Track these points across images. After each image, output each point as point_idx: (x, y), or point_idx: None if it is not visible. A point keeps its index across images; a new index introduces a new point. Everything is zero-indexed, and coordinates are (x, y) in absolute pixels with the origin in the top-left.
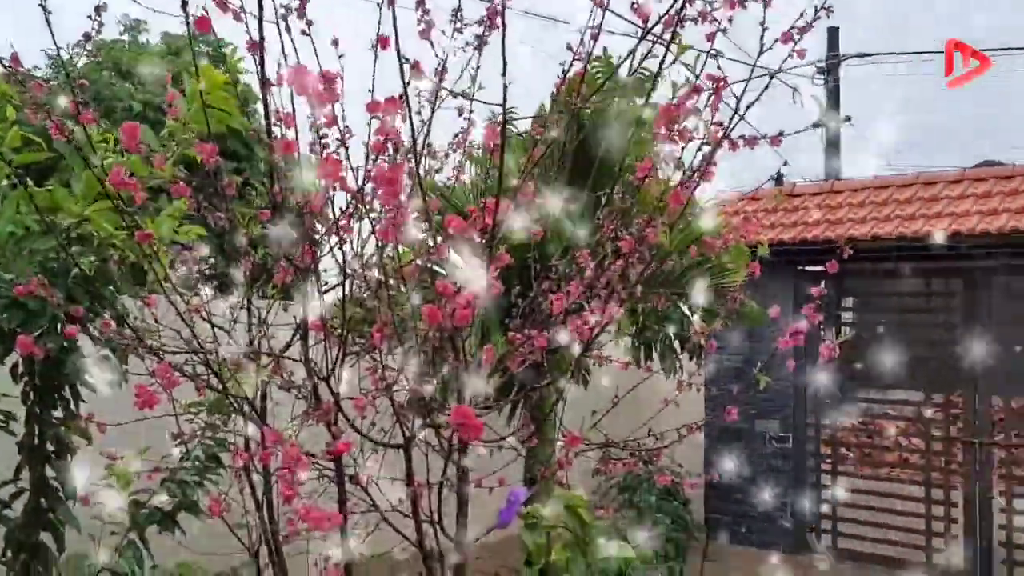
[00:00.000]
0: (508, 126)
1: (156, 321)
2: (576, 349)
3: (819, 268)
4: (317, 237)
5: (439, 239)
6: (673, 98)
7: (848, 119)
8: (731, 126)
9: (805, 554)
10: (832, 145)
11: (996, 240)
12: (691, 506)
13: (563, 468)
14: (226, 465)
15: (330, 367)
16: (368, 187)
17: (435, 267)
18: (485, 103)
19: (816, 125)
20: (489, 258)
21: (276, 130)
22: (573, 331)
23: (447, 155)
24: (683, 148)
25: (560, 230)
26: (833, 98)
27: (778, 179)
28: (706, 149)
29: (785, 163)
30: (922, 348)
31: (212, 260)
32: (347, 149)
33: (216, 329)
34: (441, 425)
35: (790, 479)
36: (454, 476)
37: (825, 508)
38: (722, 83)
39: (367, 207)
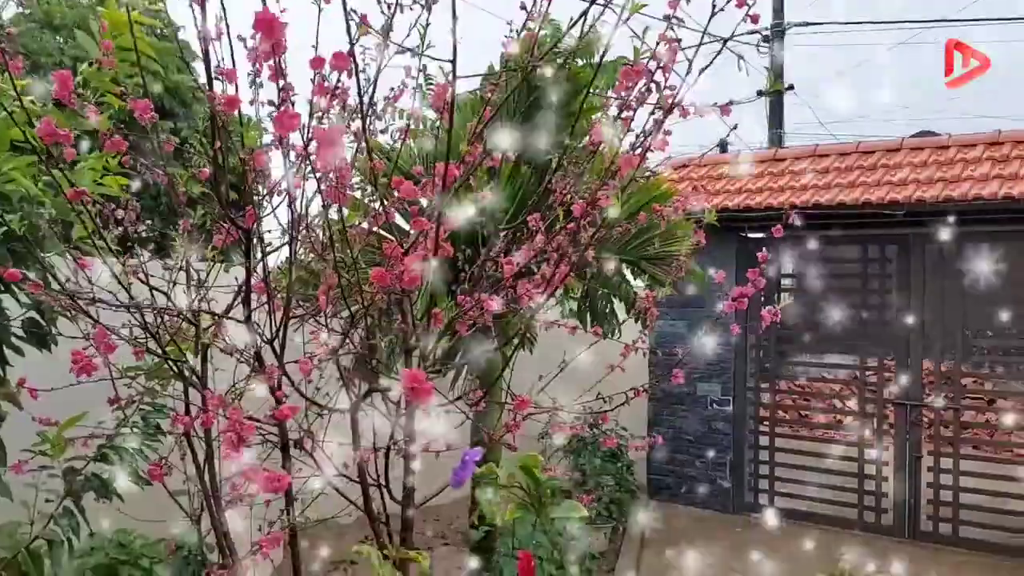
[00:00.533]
0: (458, 85)
1: (90, 283)
2: (526, 313)
3: (761, 235)
4: (259, 197)
5: (385, 202)
6: (633, 62)
7: (791, 88)
8: (684, 92)
9: (743, 513)
10: (775, 113)
11: (931, 208)
12: (634, 468)
13: (511, 431)
14: (165, 431)
15: (274, 330)
16: (312, 146)
17: (381, 230)
18: (434, 59)
19: (760, 94)
20: (438, 219)
21: (217, 85)
22: (523, 295)
23: (391, 113)
24: (634, 113)
25: (509, 194)
26: (777, 67)
27: (723, 147)
28: (659, 114)
29: (735, 127)
30: (858, 313)
31: (148, 222)
32: (292, 105)
33: (154, 291)
34: (388, 389)
35: (730, 441)
36: (401, 441)
37: (763, 469)
38: (675, 47)
39: (311, 167)
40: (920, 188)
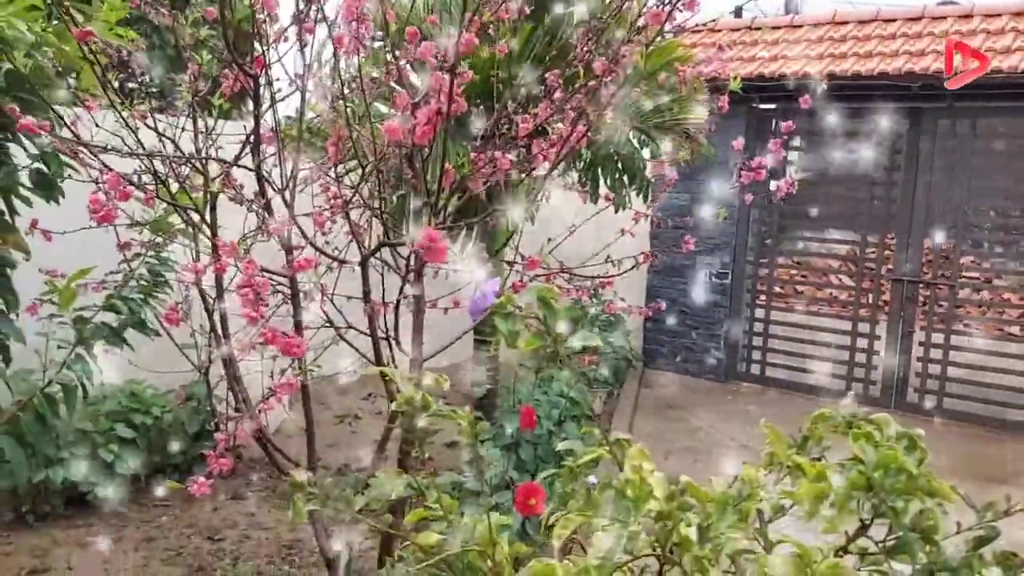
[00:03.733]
0: None
1: (97, 126)
2: (540, 172)
3: (772, 106)
4: (268, 43)
5: (398, 54)
6: None
7: None
8: None
9: (735, 382)
10: None
11: (944, 81)
12: (631, 337)
13: (518, 292)
14: (171, 283)
15: (286, 180)
16: None
17: (395, 83)
18: None
19: None
20: (452, 75)
21: None
22: (539, 153)
23: None
24: None
25: (527, 48)
26: None
27: (737, 12)
28: None
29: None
30: (863, 189)
31: (153, 72)
32: None
33: (162, 138)
34: (400, 244)
35: (726, 313)
36: (411, 296)
37: (757, 341)
38: None
39: (321, 12)
40: (938, 60)
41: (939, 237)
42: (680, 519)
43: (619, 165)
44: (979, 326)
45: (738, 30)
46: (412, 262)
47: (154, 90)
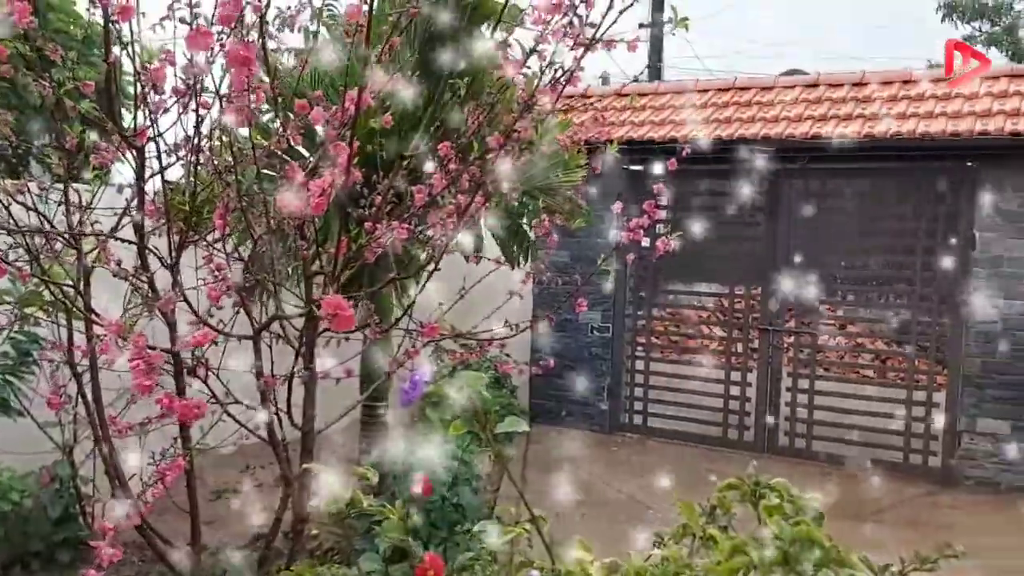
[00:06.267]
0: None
1: None
2: (438, 241)
3: (642, 168)
4: (153, 115)
5: (288, 125)
6: None
7: (670, 21)
8: (607, 27)
9: (620, 434)
10: (656, 47)
11: (799, 145)
12: (518, 393)
13: (412, 358)
14: (39, 361)
15: (171, 254)
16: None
17: (283, 154)
18: None
19: (643, 25)
20: (351, 146)
21: None
22: (436, 223)
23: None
24: (553, 46)
25: (417, 120)
26: (658, 1)
27: (604, 79)
28: (574, 51)
29: (644, 68)
30: (729, 245)
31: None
32: (196, 19)
33: (32, 212)
34: (294, 316)
35: (609, 365)
36: (302, 368)
37: (639, 392)
38: None
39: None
40: (791, 125)
41: (799, 288)
42: None
43: (508, 225)
44: (840, 370)
45: (609, 96)
46: (305, 334)
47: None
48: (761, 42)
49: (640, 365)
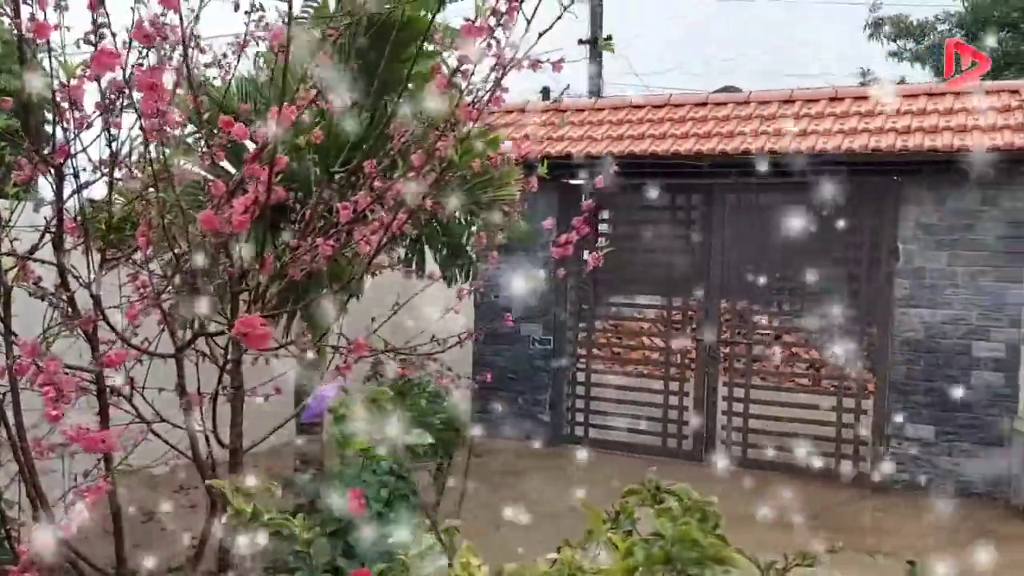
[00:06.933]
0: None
1: None
2: (363, 257)
3: (582, 182)
4: (73, 131)
5: (212, 141)
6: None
7: (609, 39)
8: (528, 48)
9: (561, 446)
10: (595, 63)
11: (731, 160)
12: (459, 406)
13: (343, 374)
14: None
15: (90, 273)
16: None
17: (205, 172)
18: None
19: (582, 42)
20: (272, 163)
21: (25, 8)
22: (361, 240)
23: (226, 55)
24: (474, 67)
25: (344, 137)
26: (597, 17)
27: (545, 94)
28: (499, 70)
29: (568, 86)
30: (667, 257)
31: None
32: (114, 36)
33: None
34: (217, 334)
35: (550, 378)
36: (229, 386)
37: (580, 403)
38: (515, 5)
39: (131, 101)
40: (722, 141)
41: (734, 299)
42: None
43: (446, 241)
44: (776, 380)
45: (547, 111)
46: (230, 351)
47: None
48: (701, 60)
49: (581, 377)
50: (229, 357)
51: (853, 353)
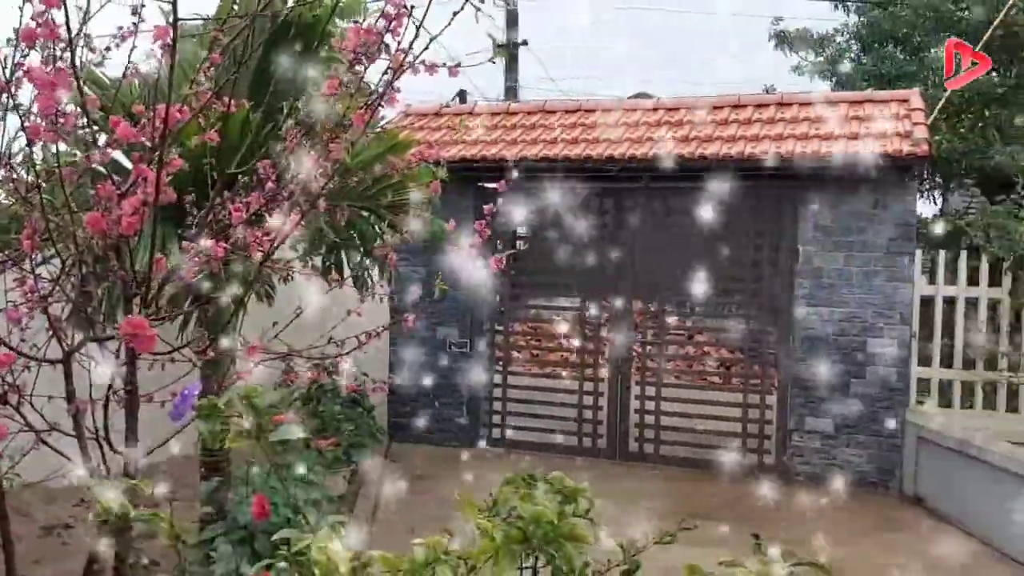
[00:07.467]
0: (185, 24)
1: None
2: (256, 260)
3: (495, 184)
4: None
5: (102, 139)
6: (363, 21)
7: (524, 43)
8: (419, 52)
9: (479, 448)
10: (511, 68)
11: (642, 165)
12: (375, 412)
13: (242, 379)
14: None
15: None
16: (16, 78)
17: (98, 168)
18: None
19: (499, 46)
20: (160, 163)
21: None
22: (252, 243)
23: (109, 48)
24: (365, 70)
25: (239, 138)
26: (512, 20)
27: (462, 98)
28: (390, 73)
29: (461, 91)
30: (582, 260)
31: None
32: None
33: None
34: (106, 338)
35: (467, 380)
36: (122, 391)
37: (497, 405)
38: (404, 9)
39: (14, 100)
40: (633, 146)
41: (647, 301)
42: None
43: (359, 246)
44: (687, 378)
45: (460, 115)
46: (123, 355)
47: None
48: (616, 66)
49: (498, 379)
50: (121, 360)
51: (759, 351)
